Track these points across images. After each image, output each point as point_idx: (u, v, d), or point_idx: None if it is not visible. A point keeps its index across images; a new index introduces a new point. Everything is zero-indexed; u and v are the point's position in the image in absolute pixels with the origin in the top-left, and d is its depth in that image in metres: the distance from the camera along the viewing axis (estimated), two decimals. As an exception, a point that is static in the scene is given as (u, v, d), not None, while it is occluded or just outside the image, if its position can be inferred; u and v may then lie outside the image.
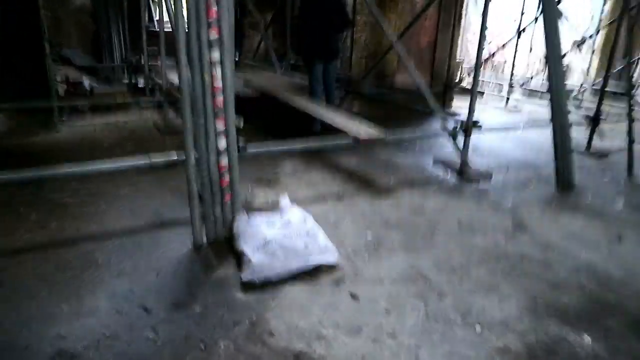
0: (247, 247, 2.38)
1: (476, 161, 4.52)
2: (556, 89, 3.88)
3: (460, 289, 2.27)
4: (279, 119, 5.65)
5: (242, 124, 5.33)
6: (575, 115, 7.69)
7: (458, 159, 4.12)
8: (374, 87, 6.84)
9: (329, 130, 3.82)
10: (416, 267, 2.45)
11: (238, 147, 2.92)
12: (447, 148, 4.84)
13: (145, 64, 6.56)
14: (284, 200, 2.77)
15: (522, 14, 7.65)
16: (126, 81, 7.65)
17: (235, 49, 10.10)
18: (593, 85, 8.78)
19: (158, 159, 2.74)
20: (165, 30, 8.78)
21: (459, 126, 3.99)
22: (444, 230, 2.90)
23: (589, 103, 8.26)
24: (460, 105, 8.01)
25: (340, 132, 3.59)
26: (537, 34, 7.30)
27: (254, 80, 6.03)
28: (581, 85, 9.03)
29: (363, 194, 3.44)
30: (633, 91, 5.25)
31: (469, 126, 3.97)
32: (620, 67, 8.19)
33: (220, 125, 2.54)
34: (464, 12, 7.45)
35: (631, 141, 4.44)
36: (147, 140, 4.66)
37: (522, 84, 8.19)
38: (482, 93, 8.09)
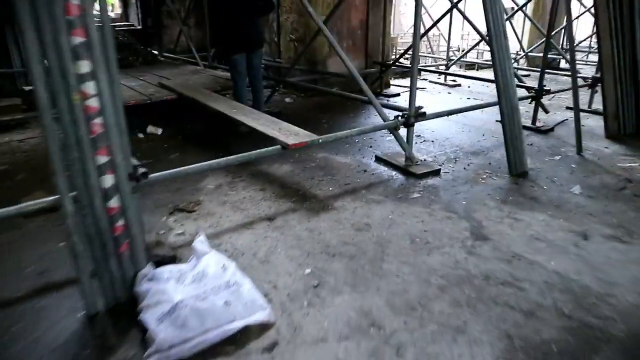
0: (150, 317, 1.84)
1: (421, 150, 4.15)
2: (501, 68, 3.52)
3: (421, 337, 1.85)
4: (201, 121, 5.03)
5: (159, 131, 4.69)
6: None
7: (401, 154, 3.72)
8: (306, 74, 6.31)
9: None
10: (366, 310, 2.01)
11: (136, 176, 2.34)
12: (388, 140, 4.44)
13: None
14: (199, 242, 2.23)
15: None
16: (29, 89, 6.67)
17: (155, 42, 9.26)
18: (528, 52, 8.67)
19: (30, 207, 2.13)
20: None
21: (400, 117, 3.57)
22: (394, 250, 2.48)
23: (525, 72, 8.15)
24: (399, 84, 7.66)
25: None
26: (471, 4, 7.01)
27: (171, 80, 5.34)
28: (516, 53, 8.92)
29: (299, 211, 2.95)
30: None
31: (411, 116, 3.56)
32: (555, 32, 8.08)
33: (102, 158, 1.95)
34: (393, -14, 7.03)
35: (577, 114, 4.20)
36: (45, 166, 3.93)
37: (459, 58, 7.93)
38: (420, 70, 7.75)
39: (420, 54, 9.12)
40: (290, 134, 3.02)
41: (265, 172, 3.61)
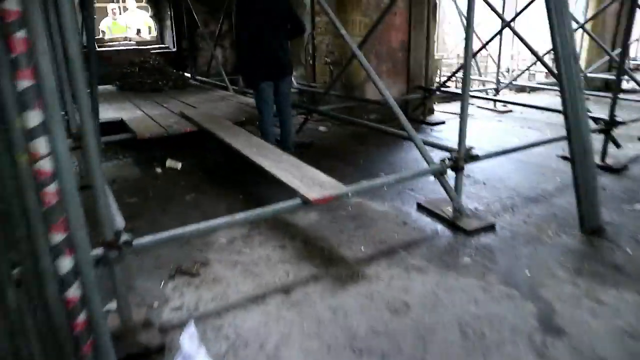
0: None
1: (471, 195, 3.55)
2: (571, 101, 2.92)
3: None
4: (223, 152, 4.63)
5: (179, 166, 4.30)
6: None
7: (448, 201, 3.15)
8: (342, 100, 5.84)
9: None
10: None
11: (117, 244, 1.92)
12: (433, 181, 3.86)
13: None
14: (187, 338, 1.75)
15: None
16: None
17: (189, 65, 9.08)
18: (588, 73, 7.88)
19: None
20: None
21: (447, 159, 3.01)
22: (439, 348, 1.91)
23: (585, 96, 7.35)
24: (444, 110, 7.06)
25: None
26: (522, 20, 6.35)
27: (195, 109, 4.98)
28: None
29: (322, 281, 2.43)
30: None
31: (461, 158, 2.99)
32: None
33: (57, 235, 1.50)
34: (437, 2, 6.48)
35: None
36: None
37: (511, 81, 7.26)
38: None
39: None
40: (314, 183, 2.52)
41: (288, 222, 3.12)
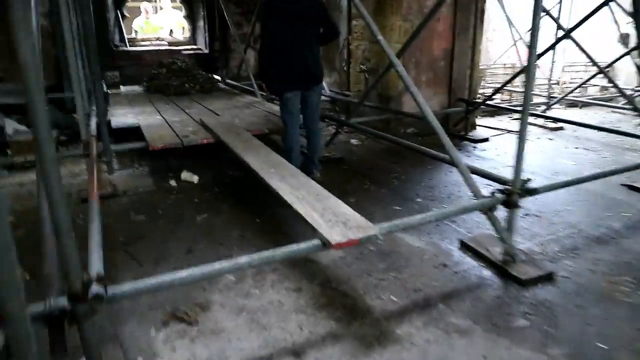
0: None
1: (522, 231, 3.04)
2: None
3: None
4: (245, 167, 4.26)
5: (195, 179, 3.95)
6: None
7: (497, 240, 2.65)
8: (377, 112, 5.39)
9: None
10: None
11: (86, 298, 1.57)
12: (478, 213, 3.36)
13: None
14: None
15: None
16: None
17: (221, 67, 8.80)
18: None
19: None
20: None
21: (499, 192, 2.52)
22: None
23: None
24: (487, 124, 6.50)
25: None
26: (583, 33, 5.70)
27: (218, 117, 4.63)
28: (632, 89, 7.42)
29: (341, 341, 1.99)
30: None
31: (516, 192, 2.49)
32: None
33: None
34: (485, 8, 5.94)
35: None
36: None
37: (565, 96, 6.63)
38: (511, 110, 6.54)
39: (513, 87, 7.89)
40: (338, 220, 2.09)
41: (307, 258, 2.69)
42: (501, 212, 2.52)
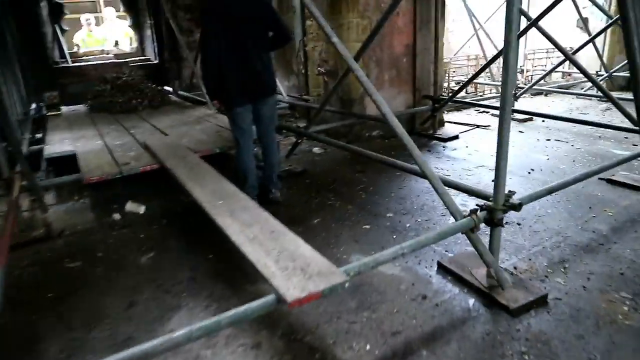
0: None
1: (505, 244, 2.75)
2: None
3: None
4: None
5: (142, 210, 3.52)
6: (597, 116, 5.90)
7: (480, 261, 2.34)
8: (339, 117, 5.06)
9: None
10: None
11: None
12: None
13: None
14: None
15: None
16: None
17: (172, 77, 8.31)
18: (613, 73, 7.05)
19: None
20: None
21: (480, 210, 2.22)
22: None
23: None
24: (454, 119, 6.26)
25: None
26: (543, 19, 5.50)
27: (166, 137, 4.21)
28: (596, 73, 7.31)
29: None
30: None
31: (498, 209, 2.19)
32: None
33: None
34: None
35: None
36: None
37: (531, 85, 6.46)
38: (476, 104, 6.32)
39: (478, 81, 7.68)
40: (296, 267, 1.74)
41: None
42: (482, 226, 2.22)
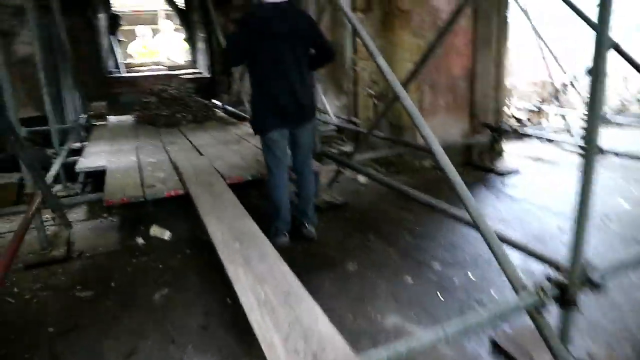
0: None
1: (579, 322, 2.25)
2: None
3: None
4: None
5: (167, 235, 3.30)
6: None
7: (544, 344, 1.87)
8: (388, 145, 4.68)
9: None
10: None
11: None
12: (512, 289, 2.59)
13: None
14: None
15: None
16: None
17: (222, 91, 8.23)
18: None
19: None
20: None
21: (549, 282, 1.77)
22: None
23: None
24: (515, 150, 5.68)
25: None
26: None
27: (200, 158, 3.98)
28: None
29: None
30: None
31: (574, 284, 1.73)
32: None
33: None
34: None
35: None
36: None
37: (609, 117, 5.80)
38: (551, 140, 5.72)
39: (545, 107, 7.04)
40: (307, 351, 1.38)
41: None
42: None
